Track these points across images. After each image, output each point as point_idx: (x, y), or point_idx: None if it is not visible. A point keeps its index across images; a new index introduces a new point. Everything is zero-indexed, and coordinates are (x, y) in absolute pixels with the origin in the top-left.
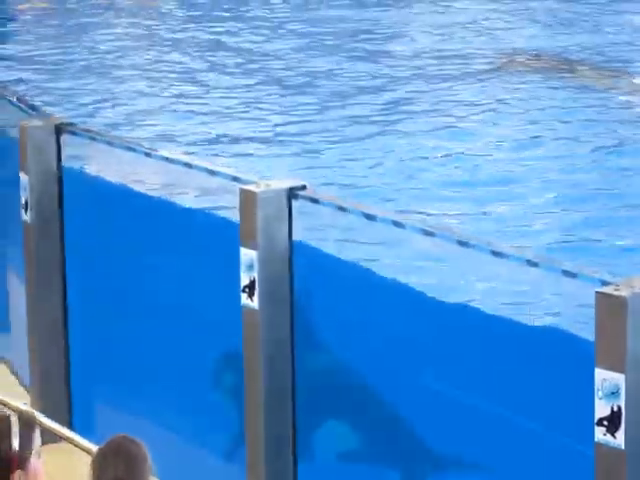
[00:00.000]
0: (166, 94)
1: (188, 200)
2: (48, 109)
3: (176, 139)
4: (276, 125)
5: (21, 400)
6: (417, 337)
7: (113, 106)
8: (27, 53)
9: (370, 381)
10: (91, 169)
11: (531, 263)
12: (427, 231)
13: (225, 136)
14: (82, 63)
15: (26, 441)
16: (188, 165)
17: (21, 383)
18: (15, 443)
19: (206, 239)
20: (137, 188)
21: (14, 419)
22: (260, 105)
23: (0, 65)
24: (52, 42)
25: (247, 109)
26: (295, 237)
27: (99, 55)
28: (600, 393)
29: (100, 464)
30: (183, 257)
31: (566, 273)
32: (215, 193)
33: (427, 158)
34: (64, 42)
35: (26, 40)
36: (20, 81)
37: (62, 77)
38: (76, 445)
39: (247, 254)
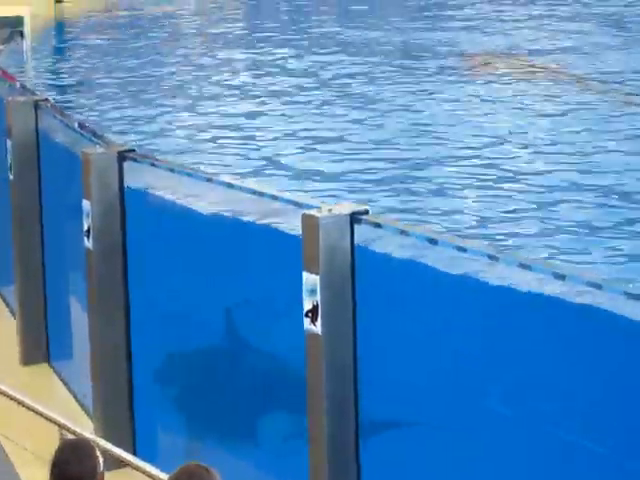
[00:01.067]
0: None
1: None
2: (111, 136)
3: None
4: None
5: (84, 426)
6: (482, 356)
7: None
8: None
9: (434, 407)
10: (154, 195)
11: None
12: (492, 256)
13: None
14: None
15: (90, 468)
16: (252, 191)
17: (84, 409)
18: (99, 466)
19: (270, 262)
20: (200, 210)
21: (93, 444)
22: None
23: (66, 92)
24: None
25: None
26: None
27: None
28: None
29: None
30: (246, 279)
31: None
32: (278, 215)
33: None
34: (128, 69)
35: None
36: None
37: (124, 103)
38: (140, 471)
39: (310, 278)
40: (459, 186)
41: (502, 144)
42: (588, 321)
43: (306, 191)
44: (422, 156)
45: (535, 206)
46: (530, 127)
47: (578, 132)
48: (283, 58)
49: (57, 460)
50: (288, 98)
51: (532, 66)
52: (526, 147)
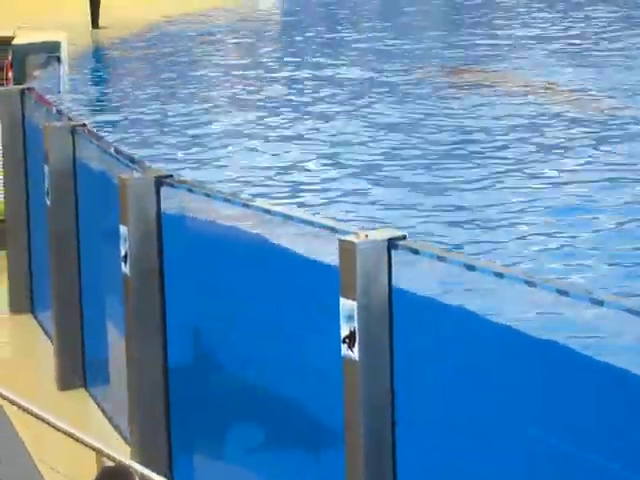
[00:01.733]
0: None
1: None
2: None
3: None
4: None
5: (121, 452)
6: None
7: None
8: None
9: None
10: (191, 220)
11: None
12: (530, 282)
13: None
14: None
15: None
16: (287, 216)
17: (120, 434)
18: None
19: (307, 287)
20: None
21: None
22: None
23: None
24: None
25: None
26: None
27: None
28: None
29: None
30: (284, 305)
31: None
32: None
33: None
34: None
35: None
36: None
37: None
38: None
39: (347, 304)
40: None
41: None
42: None
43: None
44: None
45: None
46: None
47: None
48: None
49: None
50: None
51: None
52: None
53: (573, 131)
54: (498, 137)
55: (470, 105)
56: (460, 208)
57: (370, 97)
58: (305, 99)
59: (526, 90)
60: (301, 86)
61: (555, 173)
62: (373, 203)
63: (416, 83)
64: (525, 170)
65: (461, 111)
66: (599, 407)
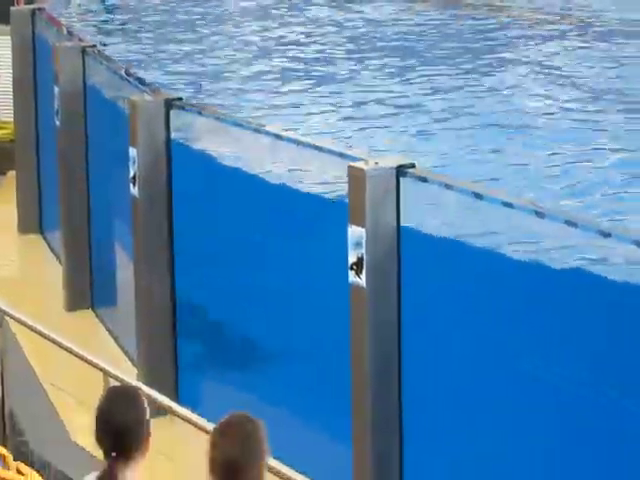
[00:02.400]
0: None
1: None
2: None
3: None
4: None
5: (127, 373)
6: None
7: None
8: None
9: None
10: (200, 144)
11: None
12: (539, 212)
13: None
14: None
15: (137, 416)
16: (296, 142)
17: (127, 356)
18: (146, 414)
19: (313, 218)
20: (244, 166)
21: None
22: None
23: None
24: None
25: None
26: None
27: None
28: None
29: (216, 442)
30: (289, 236)
31: None
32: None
33: None
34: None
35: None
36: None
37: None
38: (183, 418)
39: (355, 231)
40: None
41: None
42: None
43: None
44: None
45: None
46: None
47: None
48: None
49: (104, 407)
50: None
51: None
52: None
53: None
54: None
55: None
56: None
57: None
58: None
59: None
60: None
61: None
62: None
63: None
64: None
65: None
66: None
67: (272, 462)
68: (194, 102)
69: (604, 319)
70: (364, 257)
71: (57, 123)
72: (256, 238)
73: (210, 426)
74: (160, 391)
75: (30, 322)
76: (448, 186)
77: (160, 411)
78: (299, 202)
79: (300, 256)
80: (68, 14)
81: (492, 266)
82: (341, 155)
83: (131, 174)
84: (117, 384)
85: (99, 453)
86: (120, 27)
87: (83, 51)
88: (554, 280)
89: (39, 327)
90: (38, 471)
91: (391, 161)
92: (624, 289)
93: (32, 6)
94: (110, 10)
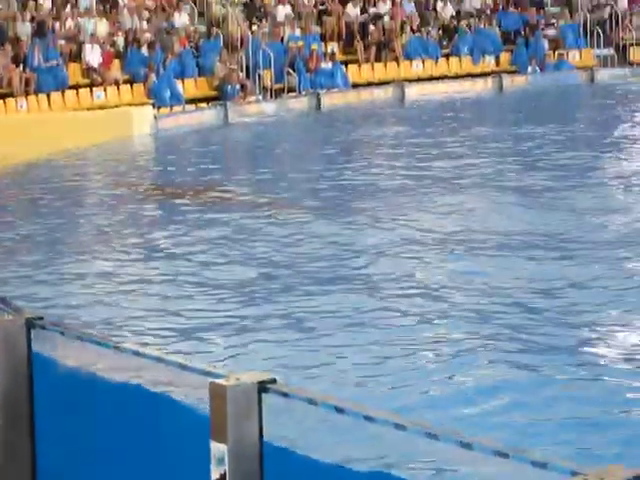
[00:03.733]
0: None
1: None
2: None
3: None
4: None
5: None
6: None
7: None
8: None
9: None
10: (63, 362)
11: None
12: (398, 424)
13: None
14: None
15: None
16: (159, 359)
17: None
18: None
19: (176, 430)
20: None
21: None
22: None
23: None
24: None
25: None
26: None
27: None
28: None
29: None
30: (152, 447)
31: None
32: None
33: None
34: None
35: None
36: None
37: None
38: None
39: (218, 448)
40: None
41: None
42: None
43: None
44: None
45: None
46: None
47: None
48: None
49: None
50: None
51: None
52: None
53: None
54: None
55: None
56: None
57: None
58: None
59: None
60: None
61: None
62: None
63: None
64: None
65: None
66: None
67: None
68: (55, 322)
69: None
70: (227, 474)
71: None
72: (123, 456)
73: None
74: None
75: None
76: (311, 401)
77: None
78: (165, 416)
79: (170, 470)
80: None
81: None
82: (205, 373)
83: None
84: None
85: None
86: None
87: None
88: None
89: None
90: None
91: (252, 377)
92: None
93: None
94: None
